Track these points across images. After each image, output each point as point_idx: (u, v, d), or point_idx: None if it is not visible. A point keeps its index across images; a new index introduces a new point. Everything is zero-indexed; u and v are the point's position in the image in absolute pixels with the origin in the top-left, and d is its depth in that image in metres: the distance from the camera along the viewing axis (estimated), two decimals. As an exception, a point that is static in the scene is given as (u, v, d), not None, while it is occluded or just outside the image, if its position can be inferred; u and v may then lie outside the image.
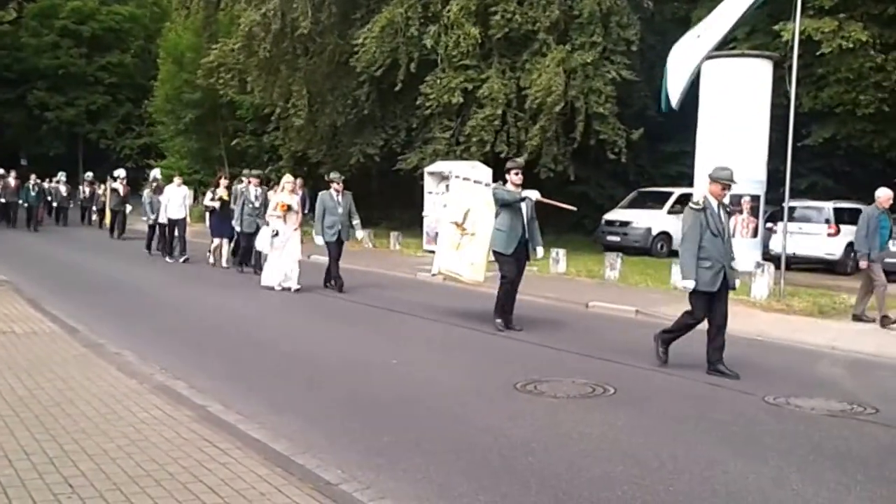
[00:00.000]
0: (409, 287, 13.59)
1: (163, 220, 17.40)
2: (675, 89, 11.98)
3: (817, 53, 15.86)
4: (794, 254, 15.78)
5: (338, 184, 12.47)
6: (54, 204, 28.88)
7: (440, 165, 19.80)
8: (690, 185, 14.29)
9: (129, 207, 23.14)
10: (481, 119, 20.53)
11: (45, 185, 28.74)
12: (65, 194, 29.14)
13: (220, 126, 33.28)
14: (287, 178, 12.98)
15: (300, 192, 14.67)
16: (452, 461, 4.79)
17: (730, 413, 6.02)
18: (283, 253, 12.23)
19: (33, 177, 26.82)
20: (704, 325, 7.38)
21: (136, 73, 46.06)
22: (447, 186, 11.05)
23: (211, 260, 15.98)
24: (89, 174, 29.69)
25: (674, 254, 17.99)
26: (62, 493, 3.98)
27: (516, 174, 9.23)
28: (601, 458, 4.90)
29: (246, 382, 6.70)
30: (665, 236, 19.54)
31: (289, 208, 12.24)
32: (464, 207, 9.95)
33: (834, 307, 11.27)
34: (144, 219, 18.71)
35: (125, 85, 46.94)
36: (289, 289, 12.17)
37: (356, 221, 12.87)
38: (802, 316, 10.81)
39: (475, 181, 10.36)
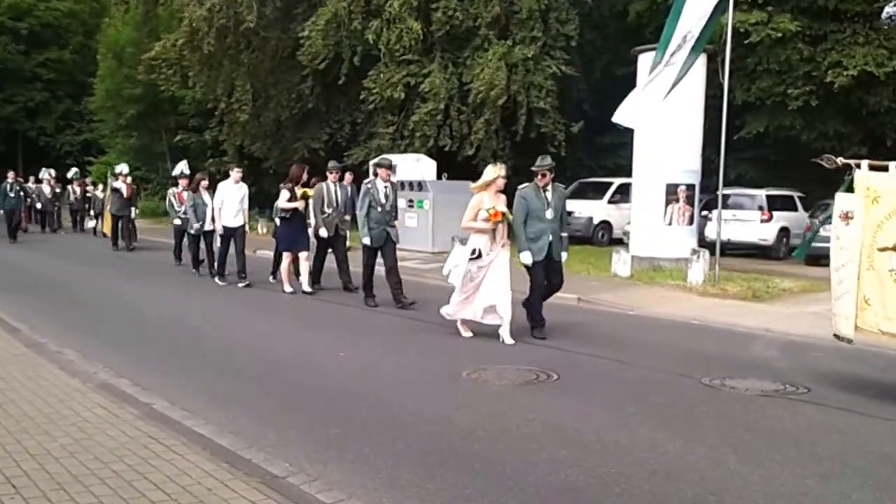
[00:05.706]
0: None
1: (210, 227, 13.11)
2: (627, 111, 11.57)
3: (745, 42, 16.27)
4: (728, 240, 16.27)
5: (544, 175, 8.35)
6: (37, 206, 24.96)
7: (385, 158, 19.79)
8: (629, 175, 14.60)
9: (134, 211, 19.49)
10: (424, 114, 20.59)
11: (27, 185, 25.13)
12: (49, 196, 24.97)
13: (163, 122, 32.79)
14: (494, 170, 8.29)
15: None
16: (401, 451, 4.82)
17: (668, 395, 6.17)
18: (486, 283, 8.11)
19: (11, 174, 22.68)
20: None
21: (75, 69, 44.98)
22: (848, 182, 6.24)
23: (288, 288, 11.63)
24: (76, 171, 25.87)
25: (614, 242, 18.37)
26: (5, 493, 3.93)
27: None
28: (545, 443, 4.98)
29: (192, 379, 6.64)
30: (606, 225, 19.90)
31: (503, 217, 8.11)
32: None
33: (767, 291, 11.59)
34: (178, 223, 15.11)
35: (64, 81, 45.80)
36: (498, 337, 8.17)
37: (564, 233, 8.69)
38: (737, 300, 11.10)
39: None
